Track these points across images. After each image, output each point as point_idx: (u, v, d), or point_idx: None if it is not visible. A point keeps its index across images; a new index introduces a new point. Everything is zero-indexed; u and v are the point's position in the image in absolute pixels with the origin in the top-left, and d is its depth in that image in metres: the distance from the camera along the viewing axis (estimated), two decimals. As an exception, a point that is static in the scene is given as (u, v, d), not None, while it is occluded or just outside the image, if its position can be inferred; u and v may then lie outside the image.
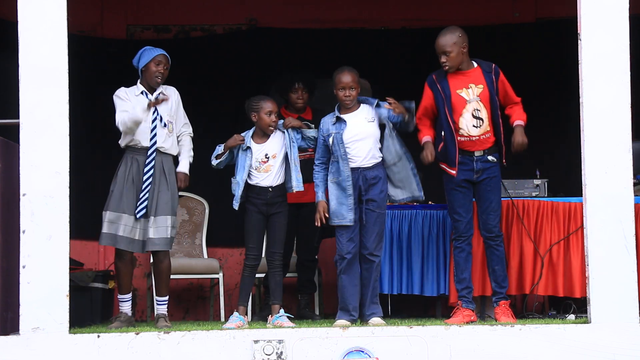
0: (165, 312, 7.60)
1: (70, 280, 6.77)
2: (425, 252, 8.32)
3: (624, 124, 6.67)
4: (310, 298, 8.91)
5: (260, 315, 8.50)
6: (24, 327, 6.45)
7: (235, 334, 6.54)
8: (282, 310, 7.59)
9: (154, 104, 7.47)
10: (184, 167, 7.68)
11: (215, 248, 9.86)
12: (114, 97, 7.54)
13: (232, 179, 7.76)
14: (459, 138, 7.55)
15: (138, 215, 7.39)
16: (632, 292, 6.60)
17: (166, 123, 7.53)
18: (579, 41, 6.74)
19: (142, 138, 7.47)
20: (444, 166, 7.64)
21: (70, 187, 6.58)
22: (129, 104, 7.47)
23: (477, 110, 7.57)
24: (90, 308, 8.39)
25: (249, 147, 7.70)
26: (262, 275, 8.74)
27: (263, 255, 7.92)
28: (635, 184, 7.03)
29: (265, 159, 7.72)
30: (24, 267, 6.48)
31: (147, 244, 7.45)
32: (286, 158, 7.72)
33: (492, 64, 7.63)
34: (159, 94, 7.54)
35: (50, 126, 6.56)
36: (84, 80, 8.42)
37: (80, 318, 7.55)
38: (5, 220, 6.78)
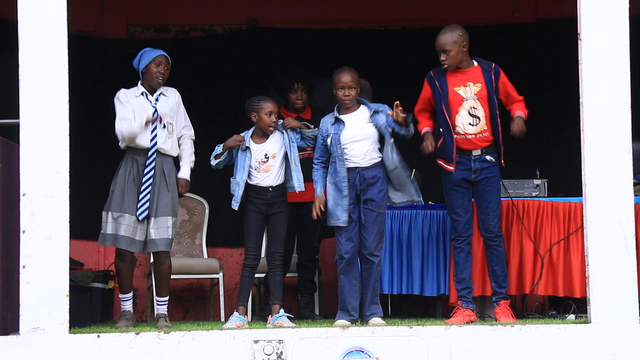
0: (165, 312, 7.59)
1: (70, 280, 6.77)
2: (425, 252, 8.32)
3: (624, 124, 6.67)
4: (310, 298, 8.90)
5: (260, 315, 8.49)
6: (24, 327, 6.44)
7: (235, 334, 6.53)
8: (282, 310, 7.59)
9: (152, 122, 7.44)
10: (184, 172, 7.64)
11: (215, 248, 9.85)
12: (115, 99, 7.51)
13: (231, 179, 7.75)
14: (455, 136, 7.54)
15: (140, 218, 7.38)
16: (632, 292, 6.60)
17: (166, 124, 7.51)
18: (579, 41, 6.74)
19: (142, 139, 7.45)
20: (441, 162, 7.63)
21: (70, 187, 6.57)
22: (129, 108, 7.44)
23: (474, 108, 7.55)
24: (90, 308, 8.39)
25: (248, 148, 7.70)
26: (262, 275, 8.74)
27: (263, 255, 7.92)
28: (635, 184, 7.02)
29: (265, 159, 7.72)
30: (24, 267, 6.48)
31: (148, 245, 7.44)
32: (286, 158, 7.73)
33: (493, 63, 7.62)
34: (154, 113, 7.50)
35: (50, 126, 6.55)
36: (84, 80, 8.44)
37: (80, 318, 7.55)
38: (5, 220, 6.78)
